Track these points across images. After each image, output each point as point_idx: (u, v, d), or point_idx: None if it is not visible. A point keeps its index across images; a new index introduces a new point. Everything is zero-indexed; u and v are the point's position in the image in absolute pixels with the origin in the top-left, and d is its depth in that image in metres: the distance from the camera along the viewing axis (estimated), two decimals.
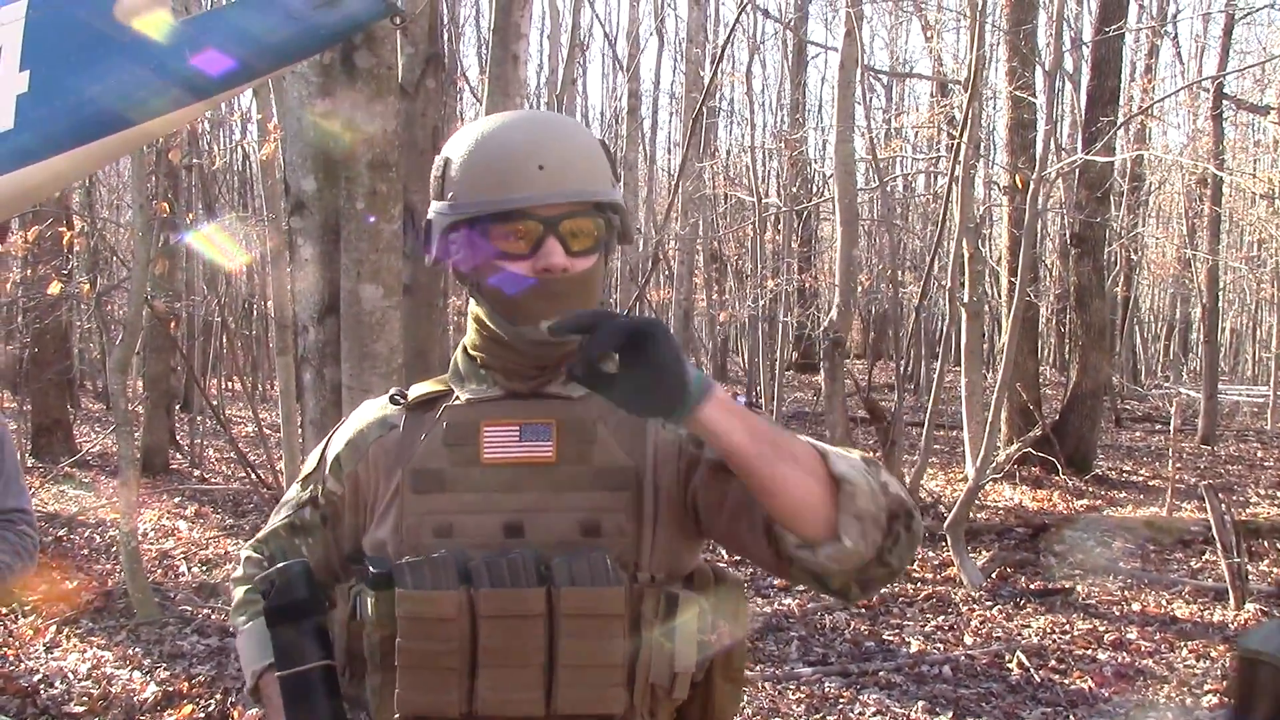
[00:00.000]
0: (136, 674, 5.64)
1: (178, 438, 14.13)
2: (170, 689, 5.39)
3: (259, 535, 1.83)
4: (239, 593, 1.80)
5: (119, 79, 2.58)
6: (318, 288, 4.90)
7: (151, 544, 8.81)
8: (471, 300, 1.68)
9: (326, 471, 1.72)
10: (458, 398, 1.67)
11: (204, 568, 8.14)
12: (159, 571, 8.00)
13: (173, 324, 11.87)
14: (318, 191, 4.88)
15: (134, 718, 5.10)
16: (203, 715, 5.10)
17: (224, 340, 16.13)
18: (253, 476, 7.86)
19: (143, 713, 5.14)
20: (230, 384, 19.12)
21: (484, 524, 1.60)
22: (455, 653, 1.54)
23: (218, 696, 5.27)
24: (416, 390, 1.71)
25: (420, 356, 5.37)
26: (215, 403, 13.27)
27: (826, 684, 5.67)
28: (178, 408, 15.20)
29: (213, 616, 6.66)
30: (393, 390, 1.74)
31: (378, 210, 4.55)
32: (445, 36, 13.77)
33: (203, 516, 10.09)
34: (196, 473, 12.78)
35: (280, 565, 1.63)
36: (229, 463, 13.13)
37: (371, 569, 1.59)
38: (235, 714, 5.05)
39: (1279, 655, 1.52)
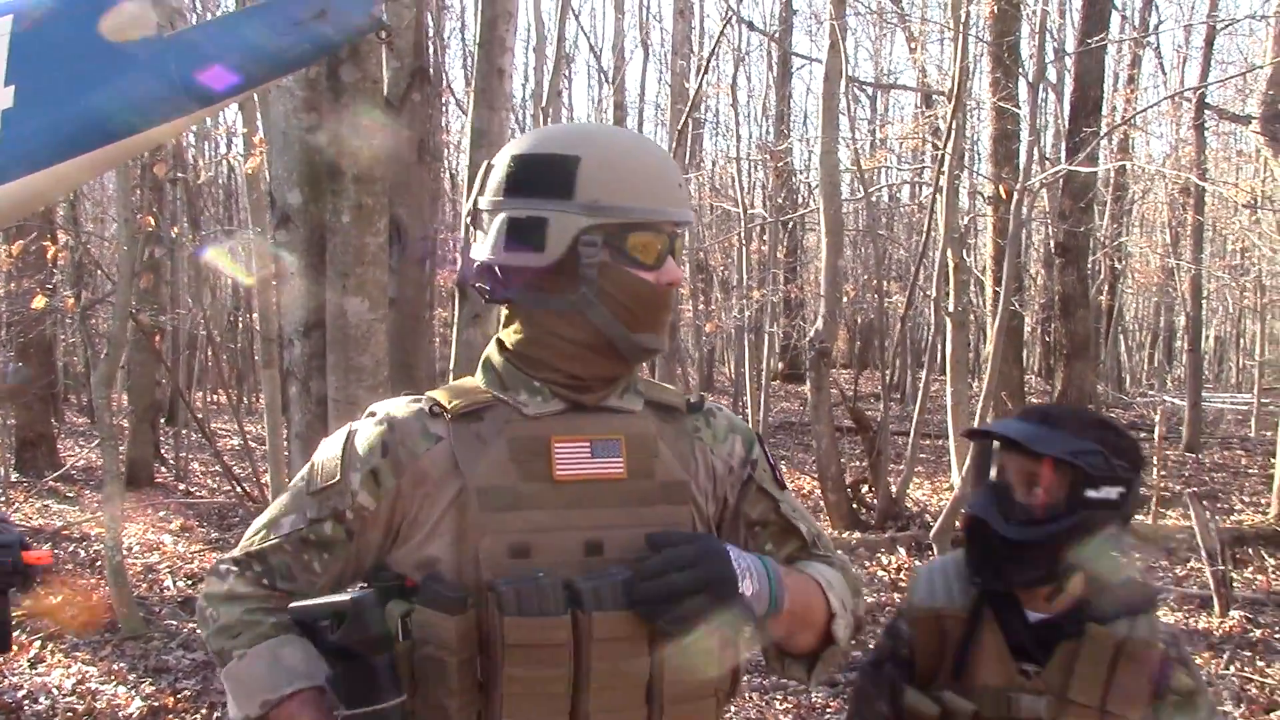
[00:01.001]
0: (121, 689, 5.62)
1: (163, 451, 14.08)
2: (156, 704, 5.37)
3: (246, 550, 1.69)
4: (230, 612, 1.66)
5: (108, 92, 2.59)
6: (303, 301, 4.89)
7: (136, 558, 8.78)
8: (546, 303, 1.61)
9: (356, 485, 1.61)
10: (517, 410, 1.61)
11: (189, 581, 8.11)
12: (144, 585, 7.97)
13: (157, 337, 11.83)
14: (303, 205, 4.88)
15: None
16: None
17: (209, 354, 16.08)
18: (238, 489, 7.83)
19: None
20: (215, 397, 19.07)
21: (563, 542, 1.57)
22: (563, 678, 1.52)
23: (203, 711, 5.25)
24: (452, 398, 1.62)
25: (405, 369, 5.36)
26: (200, 416, 13.22)
27: (814, 694, 5.68)
28: (163, 421, 15.14)
29: (199, 631, 6.63)
30: (422, 399, 1.65)
31: (363, 223, 4.56)
32: (430, 49, 13.78)
33: (188, 530, 10.05)
34: (181, 486, 12.74)
35: (353, 597, 1.52)
36: (214, 476, 13.09)
37: (445, 593, 1.52)
38: None
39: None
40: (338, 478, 1.63)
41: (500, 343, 1.69)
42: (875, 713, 2.07)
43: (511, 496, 1.57)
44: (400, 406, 1.66)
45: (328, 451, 1.68)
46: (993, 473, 2.02)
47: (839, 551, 1.81)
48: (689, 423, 1.70)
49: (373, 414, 1.67)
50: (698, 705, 1.60)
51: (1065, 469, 1.91)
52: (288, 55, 3.64)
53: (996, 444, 2.03)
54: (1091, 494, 1.90)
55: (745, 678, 5.77)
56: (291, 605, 1.58)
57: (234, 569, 1.69)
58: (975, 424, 8.66)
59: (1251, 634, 7.06)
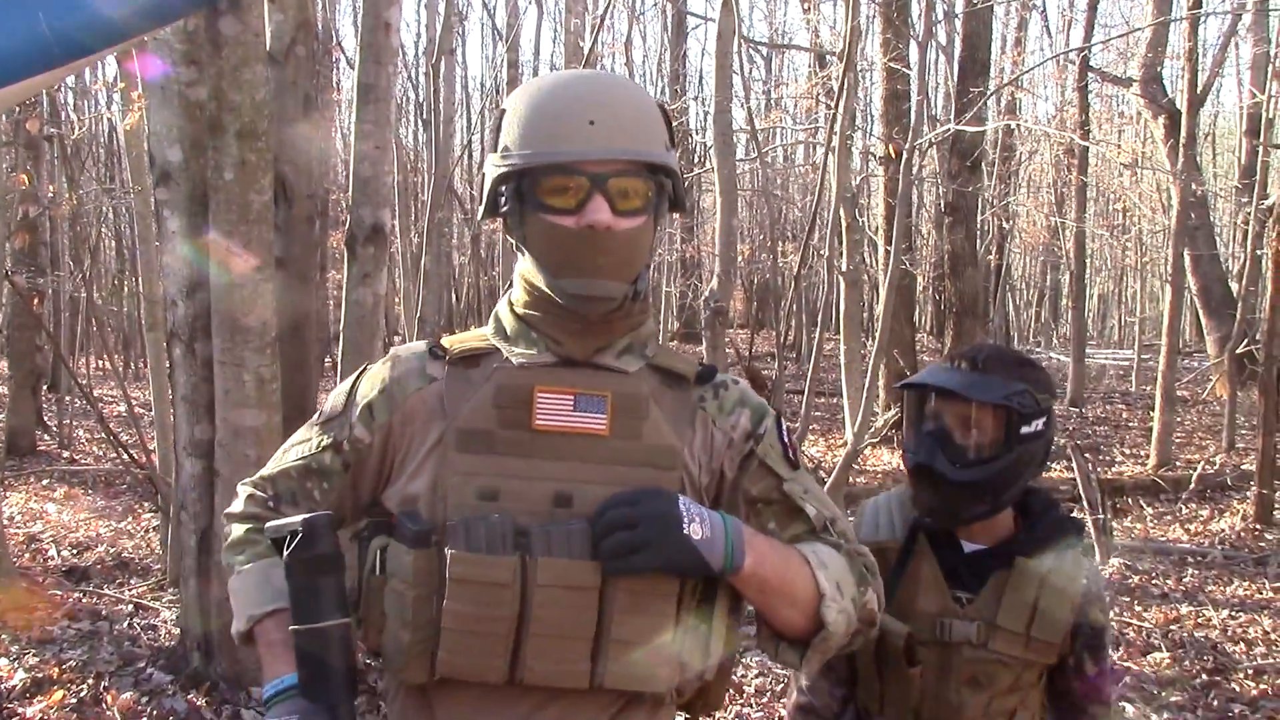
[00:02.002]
0: (3, 661, 5.46)
1: (45, 418, 13.68)
2: (40, 675, 5.23)
3: (262, 473, 1.76)
4: (238, 530, 1.73)
5: None
6: (186, 261, 4.78)
7: (19, 528, 8.53)
8: (519, 257, 1.67)
9: (354, 418, 1.67)
10: (508, 359, 1.64)
11: (74, 550, 7.91)
12: (26, 555, 7.75)
13: (36, 300, 11.45)
14: (184, 162, 4.76)
15: (1, 706, 4.94)
16: (74, 700, 4.96)
17: (91, 317, 15.63)
18: (124, 456, 7.64)
19: (10, 700, 4.98)
20: (101, 363, 18.56)
21: (533, 491, 1.57)
22: (505, 619, 1.52)
23: (89, 681, 5.13)
24: (457, 343, 1.67)
25: (295, 330, 5.27)
26: (84, 382, 12.86)
27: None
28: (45, 387, 14.70)
29: (83, 600, 6.48)
30: (428, 341, 1.69)
31: (247, 181, 4.45)
32: (320, 4, 13.47)
33: (72, 498, 9.79)
34: (66, 454, 12.40)
35: (305, 517, 1.57)
36: (100, 443, 12.76)
37: (410, 525, 1.55)
38: (109, 698, 4.93)
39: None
40: (341, 410, 1.70)
41: (509, 294, 1.72)
42: None
43: (488, 441, 1.59)
44: (409, 347, 1.72)
45: (341, 386, 1.74)
46: (918, 420, 2.14)
47: (862, 546, 1.74)
48: (695, 392, 1.68)
49: (386, 354, 1.74)
50: (648, 670, 1.56)
51: (1001, 411, 2.06)
52: (163, 6, 3.53)
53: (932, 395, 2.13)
54: (1025, 430, 2.07)
55: (747, 675, 5.75)
56: (266, 525, 1.64)
57: (249, 490, 1.76)
58: (867, 381, 8.82)
59: (1130, 580, 7.33)
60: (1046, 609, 2.08)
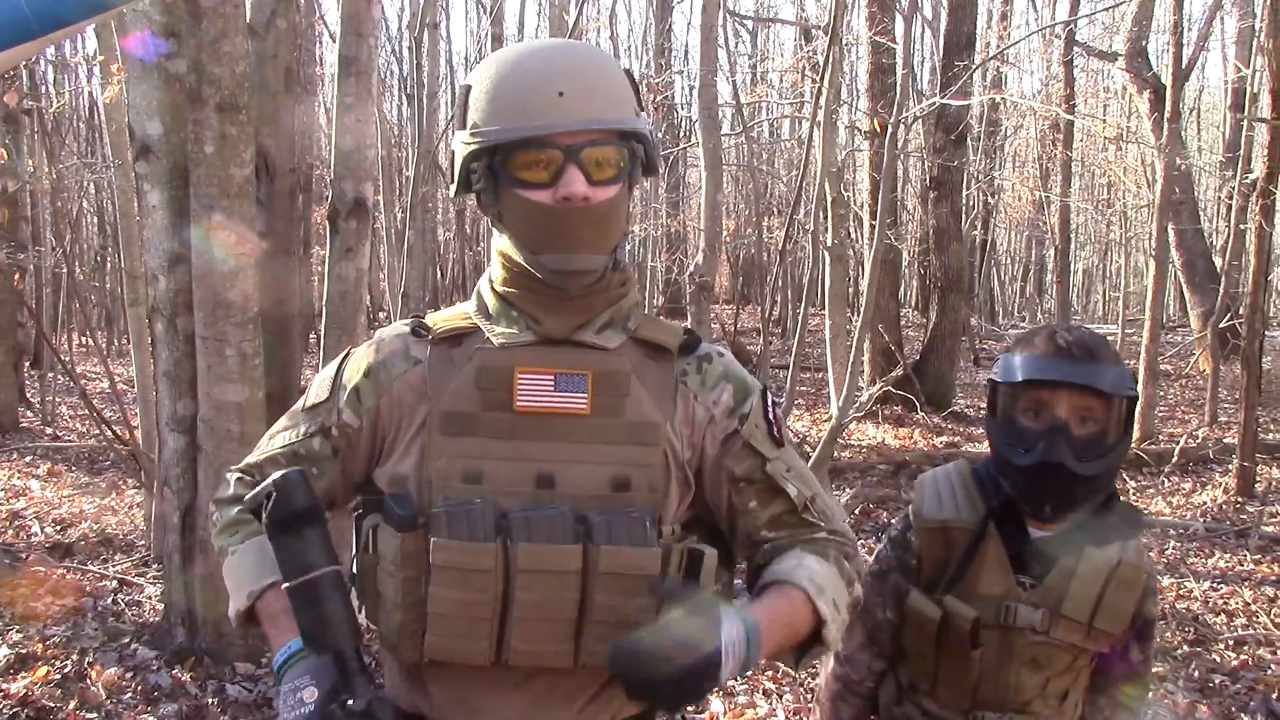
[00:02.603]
0: None
1: (28, 395, 13.61)
2: (24, 651, 5.22)
3: (248, 461, 1.76)
4: (229, 513, 1.73)
5: None
6: (167, 235, 4.75)
7: (1, 505, 8.50)
8: (495, 234, 1.65)
9: (342, 403, 1.67)
10: (489, 339, 1.63)
11: (58, 527, 7.88)
12: (9, 533, 7.72)
13: (17, 277, 11.38)
14: (164, 135, 4.73)
15: None
16: (58, 676, 4.95)
17: (73, 293, 15.54)
18: (107, 433, 7.61)
19: None
20: (84, 339, 18.47)
21: (515, 472, 1.58)
22: (488, 604, 1.53)
23: (74, 657, 5.12)
24: (440, 322, 1.66)
25: (278, 305, 5.25)
26: (67, 358, 12.79)
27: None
28: (28, 364, 14.62)
29: (67, 577, 6.46)
30: (411, 320, 1.68)
31: (228, 154, 4.42)
32: None
33: (56, 475, 9.75)
34: (49, 431, 12.34)
35: (275, 476, 1.55)
36: (83, 420, 12.70)
37: (397, 510, 1.56)
38: (93, 674, 4.93)
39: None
40: (327, 396, 1.70)
41: (490, 271, 1.71)
42: (877, 621, 2.20)
43: (470, 423, 1.59)
44: (392, 329, 1.72)
45: (325, 371, 1.74)
46: (1023, 413, 2.04)
47: (843, 523, 1.74)
48: (678, 365, 1.67)
49: (370, 337, 1.74)
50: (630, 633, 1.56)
51: (1121, 400, 2.02)
52: None
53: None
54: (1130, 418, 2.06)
55: (748, 672, 5.74)
56: (245, 497, 1.64)
57: (237, 475, 1.77)
58: (851, 356, 8.83)
59: None
60: (1113, 601, 2.07)
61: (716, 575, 1.63)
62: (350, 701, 1.48)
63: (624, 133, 1.57)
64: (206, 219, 4.47)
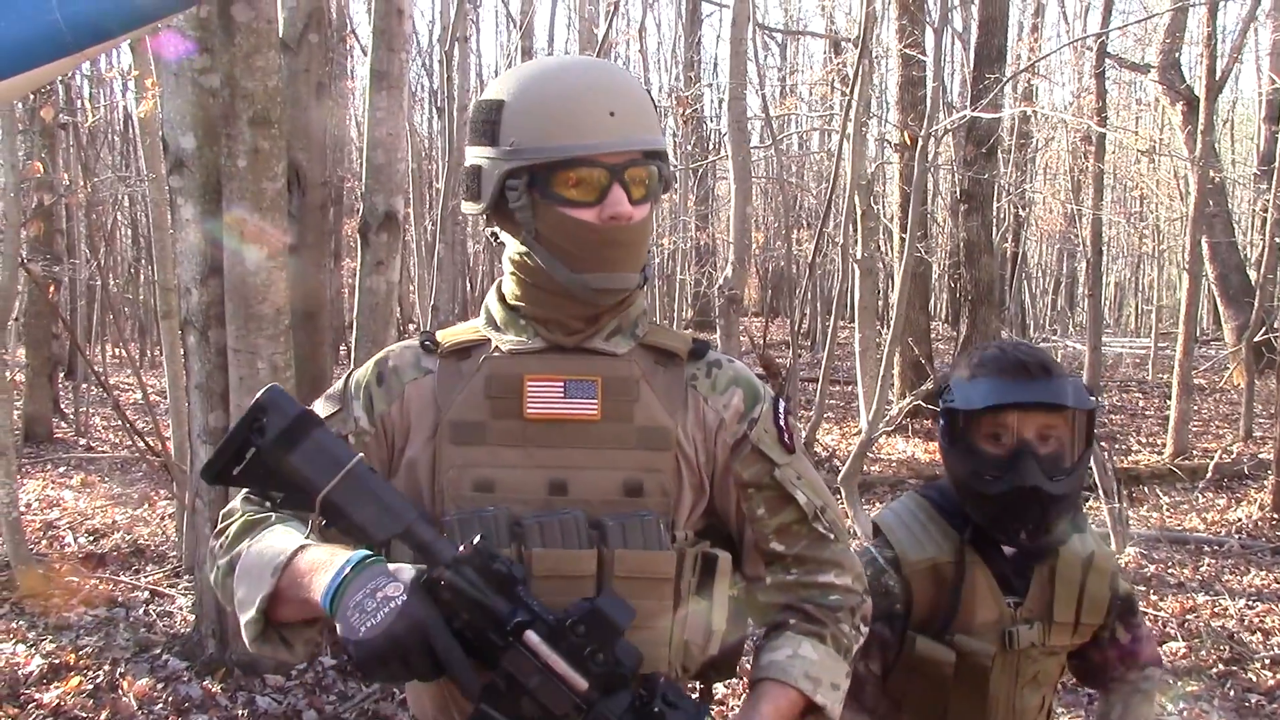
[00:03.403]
0: (21, 647, 5.50)
1: (62, 406, 13.73)
2: (56, 661, 5.26)
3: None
4: (239, 524, 1.61)
5: None
6: (200, 248, 4.79)
7: (35, 515, 8.57)
8: (516, 248, 1.62)
9: (358, 410, 1.65)
10: (497, 348, 1.63)
11: (91, 538, 7.94)
12: (43, 543, 7.78)
13: (51, 289, 11.49)
14: (197, 149, 4.76)
15: (18, 692, 4.96)
16: (90, 686, 4.99)
17: (107, 305, 15.68)
18: (140, 444, 7.66)
19: (28, 686, 5.01)
20: (117, 350, 18.62)
21: (527, 480, 1.57)
22: None
23: (105, 667, 5.16)
24: (448, 338, 1.66)
25: (309, 318, 5.28)
26: (100, 369, 12.90)
27: None
28: (62, 375, 14.75)
29: (100, 587, 6.51)
30: (422, 334, 1.68)
31: (260, 168, 4.45)
32: None
33: (89, 485, 9.83)
34: (82, 441, 12.44)
35: (259, 395, 1.48)
36: (116, 430, 12.80)
37: None
38: (125, 684, 4.95)
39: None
40: (340, 407, 1.66)
41: (499, 285, 1.70)
42: (858, 676, 2.06)
43: (480, 432, 1.58)
44: (402, 344, 1.71)
45: (333, 388, 1.71)
46: (985, 439, 2.00)
47: (849, 553, 1.72)
48: (688, 370, 1.67)
49: (378, 355, 1.72)
50: (646, 653, 1.51)
51: (1079, 413, 1.99)
52: None
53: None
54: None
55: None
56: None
57: (244, 494, 1.67)
58: (881, 370, 8.79)
59: (1146, 570, 7.29)
60: (1093, 590, 2.07)
61: (731, 581, 1.64)
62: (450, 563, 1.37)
63: (650, 152, 1.58)
64: (239, 232, 4.50)
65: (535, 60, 1.64)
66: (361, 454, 1.48)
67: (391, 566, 1.39)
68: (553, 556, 1.52)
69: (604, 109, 1.52)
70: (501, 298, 1.68)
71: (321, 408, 1.67)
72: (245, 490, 1.65)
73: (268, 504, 1.61)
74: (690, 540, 1.62)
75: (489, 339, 1.65)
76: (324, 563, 1.42)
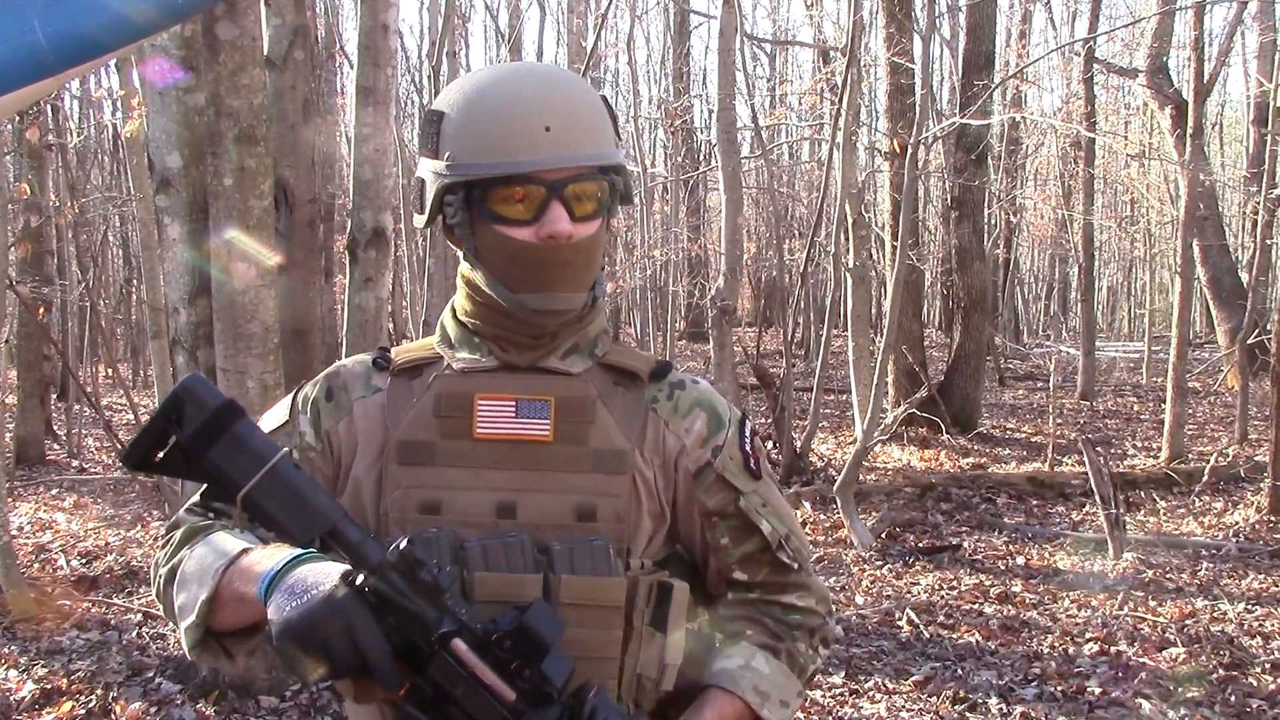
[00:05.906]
0: (12, 672, 5.45)
1: (54, 427, 13.68)
2: (49, 686, 5.22)
3: (195, 500, 1.56)
4: (178, 534, 1.56)
5: None
6: (187, 267, 4.76)
7: (27, 538, 8.52)
8: (465, 264, 1.58)
9: (303, 424, 1.60)
10: (449, 366, 1.58)
11: (83, 560, 7.89)
12: (35, 566, 7.73)
13: (41, 310, 11.45)
14: (184, 168, 4.74)
15: (10, 717, 4.92)
16: (83, 712, 4.95)
17: (98, 326, 15.64)
18: None
19: (20, 712, 4.97)
20: (109, 371, 18.58)
21: (475, 502, 1.53)
22: None
23: (98, 692, 5.11)
24: (402, 354, 1.61)
25: (299, 337, 5.25)
26: (90, 390, 12.86)
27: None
28: (54, 397, 14.71)
29: (93, 610, 6.46)
30: (374, 352, 1.63)
31: (246, 186, 4.43)
32: (323, 8, 13.45)
33: (82, 507, 9.78)
34: (75, 463, 12.39)
35: (175, 386, 1.37)
36: (108, 452, 12.75)
37: None
38: (118, 708, 4.91)
39: None
40: (286, 419, 1.61)
41: (453, 301, 1.65)
42: None
43: (428, 452, 1.54)
44: (353, 360, 1.66)
45: (280, 402, 1.67)
46: None
47: (815, 576, 1.70)
48: (649, 391, 1.61)
49: (329, 369, 1.67)
50: (595, 668, 1.49)
51: None
52: (165, 10, 3.48)
53: None
54: None
55: None
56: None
57: (187, 508, 1.62)
58: (875, 378, 8.77)
59: (1144, 575, 7.27)
60: None
61: (690, 613, 1.58)
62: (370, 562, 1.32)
63: (604, 166, 1.52)
64: (226, 251, 4.47)
65: (482, 70, 1.57)
66: (287, 449, 1.41)
67: (329, 563, 1.35)
68: (496, 580, 1.46)
69: (539, 124, 1.45)
70: (454, 314, 1.63)
71: (268, 421, 1.62)
72: (190, 502, 1.60)
73: (210, 514, 1.57)
74: (647, 569, 1.56)
75: (442, 356, 1.60)
76: (263, 559, 1.38)
